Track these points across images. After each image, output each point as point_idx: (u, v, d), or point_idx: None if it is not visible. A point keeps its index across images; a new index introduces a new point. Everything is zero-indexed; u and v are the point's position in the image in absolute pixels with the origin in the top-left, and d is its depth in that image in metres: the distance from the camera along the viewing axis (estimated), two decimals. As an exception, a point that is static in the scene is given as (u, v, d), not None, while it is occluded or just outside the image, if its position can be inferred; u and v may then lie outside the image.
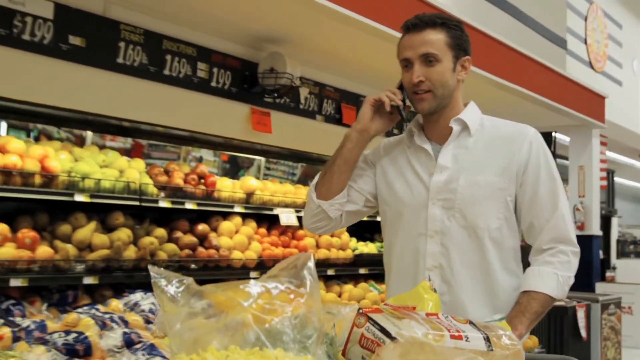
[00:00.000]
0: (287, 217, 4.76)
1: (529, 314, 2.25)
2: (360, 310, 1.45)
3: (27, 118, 4.02)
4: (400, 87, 2.38)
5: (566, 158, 8.96)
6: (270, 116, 4.48)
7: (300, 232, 4.98)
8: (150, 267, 1.31)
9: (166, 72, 4.01)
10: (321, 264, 5.00)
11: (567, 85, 6.25)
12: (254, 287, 1.33)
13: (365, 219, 5.13)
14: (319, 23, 3.98)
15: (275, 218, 4.65)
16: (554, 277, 2.32)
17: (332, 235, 5.27)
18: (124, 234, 3.86)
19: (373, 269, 5.54)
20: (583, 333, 6.92)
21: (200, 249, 4.13)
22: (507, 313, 2.30)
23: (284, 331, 1.30)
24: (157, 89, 3.95)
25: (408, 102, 2.34)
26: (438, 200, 2.36)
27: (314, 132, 5.05)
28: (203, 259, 4.13)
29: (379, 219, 5.26)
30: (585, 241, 9.02)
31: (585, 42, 8.79)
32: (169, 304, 1.28)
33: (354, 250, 5.42)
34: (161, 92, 3.94)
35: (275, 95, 4.47)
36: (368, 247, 5.64)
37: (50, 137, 4.68)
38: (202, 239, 4.21)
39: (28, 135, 4.63)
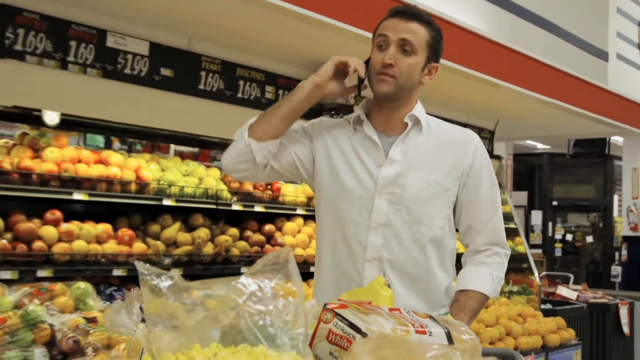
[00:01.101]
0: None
1: (467, 311, 2.27)
2: (327, 306, 1.41)
3: (125, 134, 4.65)
4: (366, 63, 2.31)
5: (620, 159, 9.09)
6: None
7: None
8: (136, 263, 1.22)
9: (239, 95, 4.54)
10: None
11: (606, 96, 6.54)
12: (245, 282, 1.24)
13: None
14: (366, 51, 4.46)
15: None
16: (489, 277, 2.34)
17: None
18: (203, 232, 4.35)
19: None
20: (626, 329, 7.15)
21: (268, 246, 4.63)
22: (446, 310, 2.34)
23: (275, 328, 1.22)
24: (231, 110, 4.46)
25: (366, 82, 2.29)
26: (385, 194, 2.32)
27: None
28: (270, 255, 4.70)
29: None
30: (638, 243, 9.20)
31: (639, 47, 8.97)
32: (157, 300, 1.18)
33: None
34: (235, 112, 4.44)
35: (333, 112, 4.90)
36: None
37: (130, 149, 5.29)
38: (269, 238, 4.69)
39: (129, 150, 5.21)
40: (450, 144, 2.38)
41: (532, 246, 13.78)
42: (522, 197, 9.22)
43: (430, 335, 1.47)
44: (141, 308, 1.65)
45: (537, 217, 14.56)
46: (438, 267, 2.34)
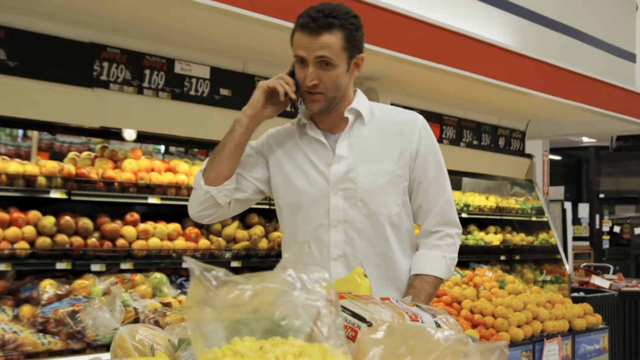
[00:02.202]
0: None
1: (423, 296, 2.26)
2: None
3: (189, 146, 5.27)
4: (292, 74, 2.30)
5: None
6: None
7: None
8: (186, 258, 1.18)
9: (288, 109, 5.08)
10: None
11: (631, 97, 6.85)
12: (292, 275, 1.16)
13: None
14: (400, 68, 4.83)
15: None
16: (442, 260, 2.35)
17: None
18: (258, 229, 4.79)
19: (458, 257, 6.36)
20: (657, 316, 7.47)
21: (315, 241, 5.21)
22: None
23: (326, 322, 1.14)
24: (281, 122, 4.94)
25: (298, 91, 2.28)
26: (339, 190, 2.30)
27: None
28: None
29: (464, 215, 6.28)
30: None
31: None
32: (204, 295, 1.12)
33: None
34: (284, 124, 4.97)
35: None
36: None
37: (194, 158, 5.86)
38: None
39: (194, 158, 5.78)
40: (394, 129, 2.36)
41: (579, 238, 14.05)
42: (559, 191, 9.59)
43: (422, 322, 1.48)
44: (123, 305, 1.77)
45: (584, 210, 14.76)
46: (399, 251, 2.35)
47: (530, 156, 7.15)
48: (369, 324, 1.32)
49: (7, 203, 3.92)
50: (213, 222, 2.52)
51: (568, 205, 12.89)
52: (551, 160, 14.27)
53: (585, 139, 12.39)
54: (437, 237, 2.39)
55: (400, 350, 1.17)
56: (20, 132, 5.71)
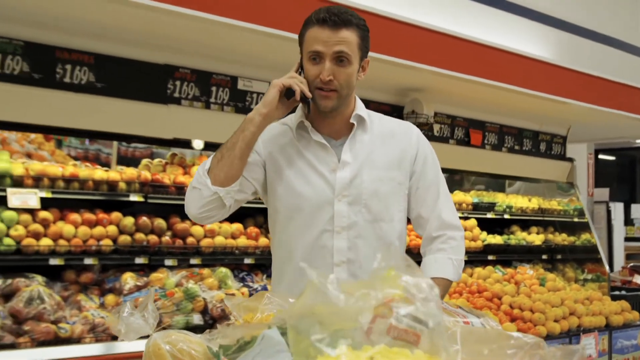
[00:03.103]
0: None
1: None
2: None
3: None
4: (299, 74, 2.25)
5: None
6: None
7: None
8: (302, 265, 1.17)
9: None
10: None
11: None
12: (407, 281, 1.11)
13: (492, 216, 6.54)
14: (443, 81, 5.20)
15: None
16: (449, 262, 2.33)
17: (464, 230, 6.44)
18: None
19: (501, 256, 6.59)
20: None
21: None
22: None
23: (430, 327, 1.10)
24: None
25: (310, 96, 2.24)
26: (344, 197, 2.27)
27: (446, 153, 6.15)
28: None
29: (506, 216, 6.65)
30: None
31: None
32: (319, 302, 1.09)
33: (483, 241, 6.51)
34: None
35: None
36: (496, 239, 6.67)
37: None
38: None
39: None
40: (393, 137, 2.37)
41: (632, 239, 14.11)
42: (604, 193, 9.83)
43: (472, 325, 1.45)
44: (157, 309, 1.63)
45: (637, 210, 14.82)
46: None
47: (571, 160, 7.46)
48: (432, 328, 1.22)
49: (93, 205, 4.48)
50: (212, 223, 2.24)
51: (620, 206, 13.00)
52: (603, 161, 14.34)
53: (639, 140, 12.44)
54: (441, 241, 2.37)
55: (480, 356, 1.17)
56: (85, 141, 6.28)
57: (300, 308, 1.11)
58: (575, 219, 7.52)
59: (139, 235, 4.49)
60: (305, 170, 2.31)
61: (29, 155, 4.79)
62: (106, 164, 5.44)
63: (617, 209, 12.51)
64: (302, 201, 2.30)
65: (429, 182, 2.39)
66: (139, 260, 4.43)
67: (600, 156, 14.57)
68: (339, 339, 1.07)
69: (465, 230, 6.36)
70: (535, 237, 7.20)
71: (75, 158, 5.59)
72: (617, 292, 7.10)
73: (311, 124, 2.32)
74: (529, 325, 5.41)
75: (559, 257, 7.43)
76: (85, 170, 4.36)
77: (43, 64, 4.04)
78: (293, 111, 2.40)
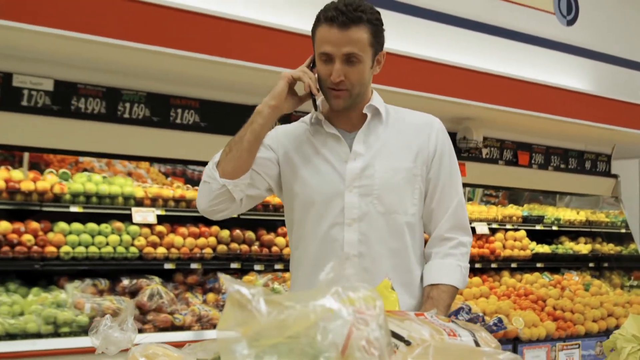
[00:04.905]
0: (481, 229, 6.69)
1: (442, 307, 2.14)
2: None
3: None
4: (311, 68, 2.22)
5: None
6: (465, 165, 6.41)
7: (491, 237, 6.75)
8: (221, 275, 1.13)
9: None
10: (506, 260, 6.69)
11: None
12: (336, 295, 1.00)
13: (541, 227, 7.25)
14: (490, 113, 5.90)
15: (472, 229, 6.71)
16: (458, 269, 2.25)
17: (514, 240, 6.95)
18: None
19: (549, 264, 7.17)
20: None
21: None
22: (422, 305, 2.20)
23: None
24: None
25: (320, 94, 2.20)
26: (355, 188, 2.19)
27: (495, 173, 6.91)
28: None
29: (554, 227, 7.37)
30: None
31: None
32: (245, 316, 0.98)
33: (532, 250, 7.06)
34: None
35: (468, 153, 6.44)
36: (544, 248, 7.23)
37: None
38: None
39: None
40: (411, 129, 2.30)
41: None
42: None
43: (461, 340, 1.38)
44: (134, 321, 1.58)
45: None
46: (413, 255, 2.27)
47: (615, 176, 8.12)
48: (408, 343, 1.21)
49: (197, 221, 5.50)
50: (223, 218, 2.34)
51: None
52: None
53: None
54: (451, 246, 2.31)
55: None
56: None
57: (225, 324, 1.02)
58: (623, 230, 8.14)
59: (233, 245, 5.33)
60: (317, 163, 2.26)
61: (129, 174, 5.83)
62: (191, 179, 6.26)
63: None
64: (313, 193, 2.25)
65: (445, 178, 2.32)
66: (234, 265, 5.27)
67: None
68: (265, 356, 0.99)
69: (515, 240, 7.03)
70: (582, 247, 7.78)
71: (165, 174, 6.39)
72: (661, 299, 7.66)
73: (327, 118, 2.28)
74: (569, 324, 6.10)
75: (605, 265, 7.98)
76: (191, 192, 5.40)
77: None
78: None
